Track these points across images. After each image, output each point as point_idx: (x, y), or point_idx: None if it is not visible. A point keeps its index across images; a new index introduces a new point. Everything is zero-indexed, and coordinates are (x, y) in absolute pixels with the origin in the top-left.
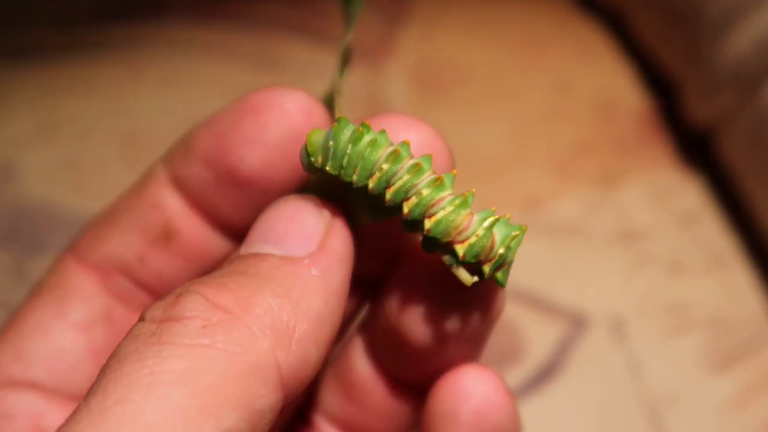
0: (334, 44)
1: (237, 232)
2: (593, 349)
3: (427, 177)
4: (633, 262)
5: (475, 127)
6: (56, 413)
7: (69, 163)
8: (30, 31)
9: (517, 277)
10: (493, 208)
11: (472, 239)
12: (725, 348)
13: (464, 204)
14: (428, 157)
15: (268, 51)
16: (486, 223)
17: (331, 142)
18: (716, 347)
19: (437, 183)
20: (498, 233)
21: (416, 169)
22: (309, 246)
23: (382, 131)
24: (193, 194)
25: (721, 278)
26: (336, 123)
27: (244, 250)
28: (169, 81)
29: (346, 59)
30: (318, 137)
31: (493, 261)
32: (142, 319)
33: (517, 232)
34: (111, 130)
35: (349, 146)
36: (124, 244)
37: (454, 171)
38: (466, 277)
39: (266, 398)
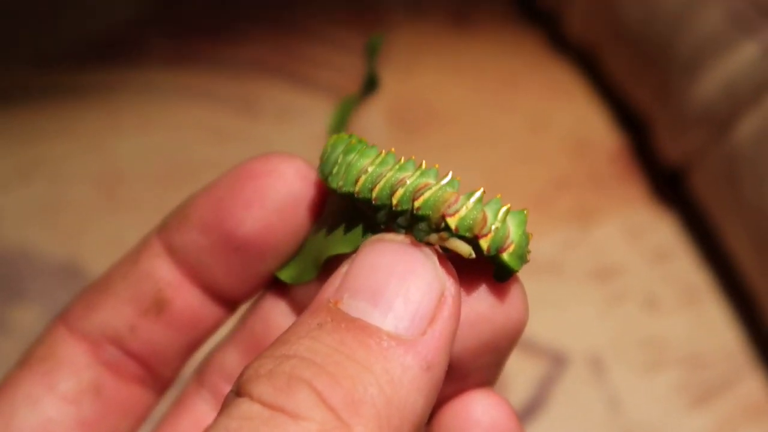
0: (312, 86)
1: (230, 300)
2: (573, 386)
3: (411, 172)
4: (609, 299)
5: (452, 166)
6: None
7: (47, 206)
8: (7, 72)
9: None
10: (482, 189)
11: (463, 211)
12: (701, 383)
13: (450, 184)
14: (411, 160)
15: (246, 93)
16: (473, 198)
17: (325, 156)
18: (692, 382)
19: (421, 172)
20: (489, 210)
21: (399, 166)
22: (420, 323)
23: (373, 146)
24: (187, 262)
25: (695, 313)
26: (331, 139)
27: (346, 300)
28: (147, 123)
29: (370, 85)
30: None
31: (490, 236)
32: (248, 393)
33: (508, 205)
34: (89, 172)
35: (340, 156)
36: (115, 314)
37: (443, 169)
38: (463, 248)
39: None
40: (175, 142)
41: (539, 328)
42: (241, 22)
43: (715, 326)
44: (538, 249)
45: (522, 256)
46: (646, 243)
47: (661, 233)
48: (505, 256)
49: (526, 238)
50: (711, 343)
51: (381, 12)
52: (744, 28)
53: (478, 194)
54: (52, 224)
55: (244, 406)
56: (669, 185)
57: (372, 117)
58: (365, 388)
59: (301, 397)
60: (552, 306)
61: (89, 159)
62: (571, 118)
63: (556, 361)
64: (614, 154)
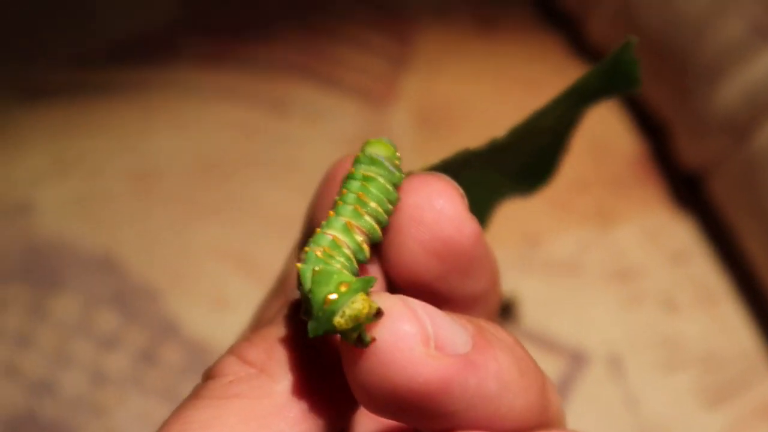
0: (339, 87)
1: None
2: (592, 385)
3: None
4: (628, 299)
5: None
6: None
7: (83, 200)
8: (46, 70)
9: (517, 313)
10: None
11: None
12: (718, 383)
13: (308, 259)
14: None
15: (276, 93)
16: (302, 264)
17: None
18: (710, 383)
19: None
20: (321, 279)
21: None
22: None
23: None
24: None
25: (713, 315)
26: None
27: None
28: (180, 121)
29: None
30: None
31: (309, 305)
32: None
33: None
34: (124, 168)
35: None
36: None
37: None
38: (309, 326)
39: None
40: (207, 139)
41: (558, 327)
42: (271, 23)
43: (732, 328)
44: (558, 249)
45: (320, 319)
46: (665, 245)
47: (679, 236)
48: (309, 324)
49: (321, 298)
50: (728, 345)
51: (408, 15)
52: (766, 37)
53: (304, 265)
54: (89, 218)
55: (195, 387)
56: (688, 189)
57: (398, 118)
58: (277, 340)
59: (223, 360)
60: (571, 306)
61: (125, 155)
62: (591, 122)
63: (575, 360)
64: (634, 158)
